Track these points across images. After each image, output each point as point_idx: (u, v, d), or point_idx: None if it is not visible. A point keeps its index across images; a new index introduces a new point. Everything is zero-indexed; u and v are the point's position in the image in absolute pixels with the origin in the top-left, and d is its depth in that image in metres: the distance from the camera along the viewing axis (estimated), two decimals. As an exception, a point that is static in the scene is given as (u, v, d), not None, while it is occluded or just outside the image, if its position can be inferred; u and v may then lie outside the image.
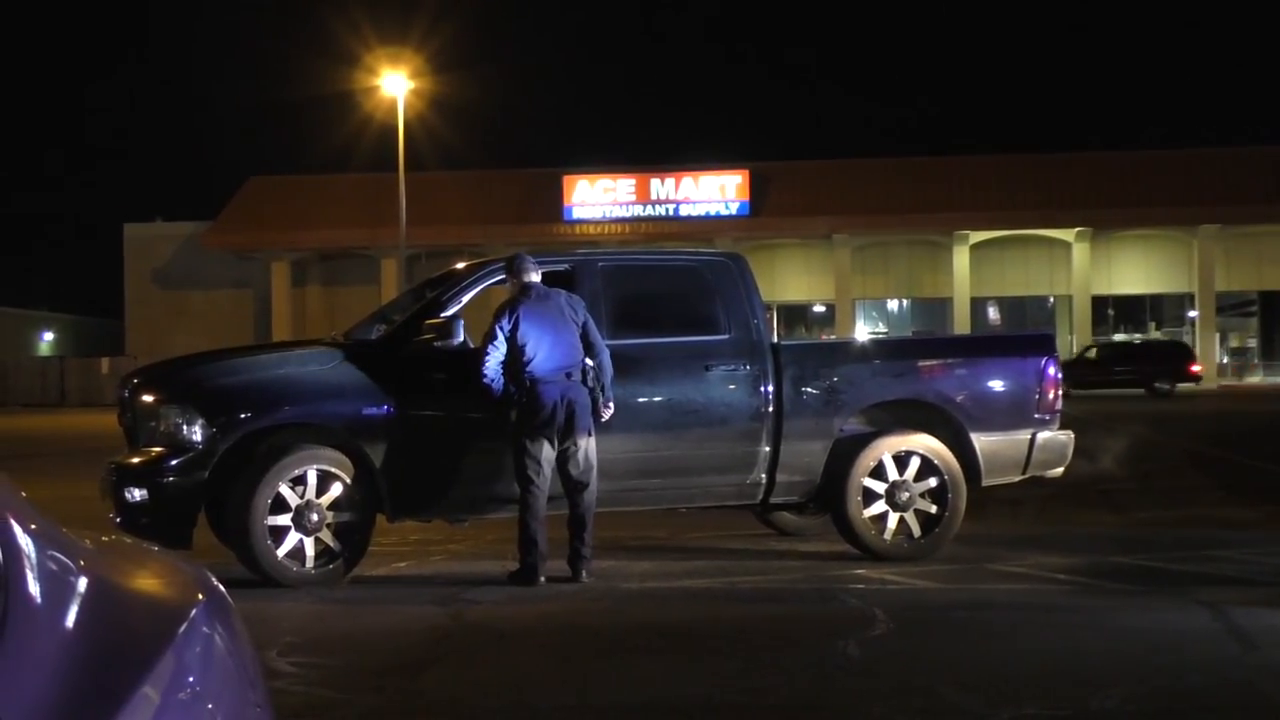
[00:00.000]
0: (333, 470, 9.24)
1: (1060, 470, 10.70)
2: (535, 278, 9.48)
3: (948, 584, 9.00)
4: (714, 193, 58.34)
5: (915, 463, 10.07)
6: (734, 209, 58.21)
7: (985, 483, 10.40)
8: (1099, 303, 61.22)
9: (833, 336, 53.07)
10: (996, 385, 10.48)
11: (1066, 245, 59.86)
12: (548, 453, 9.17)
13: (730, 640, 7.36)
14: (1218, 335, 61.36)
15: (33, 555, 1.86)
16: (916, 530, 10.06)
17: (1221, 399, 44.78)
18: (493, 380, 9.16)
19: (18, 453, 24.68)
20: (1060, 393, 10.63)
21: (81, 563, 2.02)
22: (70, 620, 1.82)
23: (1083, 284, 59.66)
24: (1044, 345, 10.88)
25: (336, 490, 9.24)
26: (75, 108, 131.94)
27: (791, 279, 61.38)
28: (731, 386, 9.94)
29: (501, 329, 9.18)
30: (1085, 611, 8.04)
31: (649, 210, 58.32)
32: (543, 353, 9.13)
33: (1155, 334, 64.30)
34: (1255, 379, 61.04)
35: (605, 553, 10.39)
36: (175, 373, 10.05)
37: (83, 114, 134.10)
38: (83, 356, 65.26)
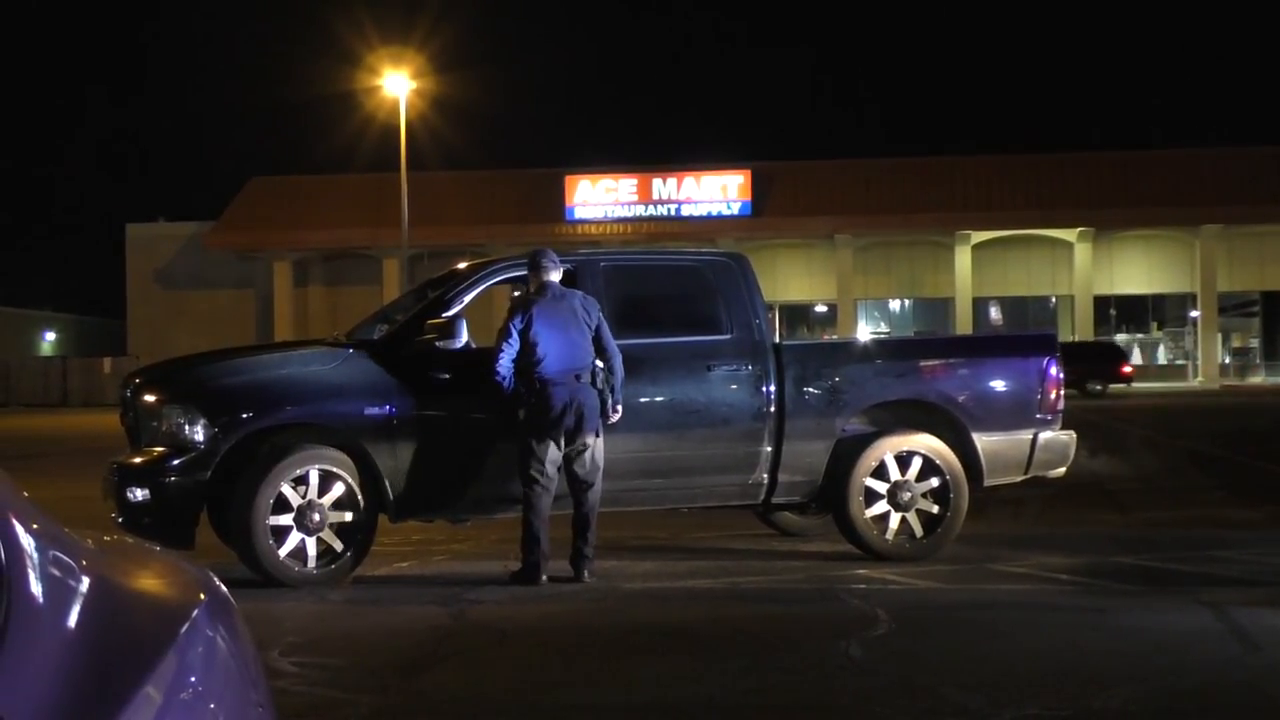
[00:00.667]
0: (335, 470, 9.24)
1: (1062, 470, 10.70)
2: (554, 276, 9.46)
3: (950, 584, 9.00)
4: (716, 193, 58.33)
5: (917, 463, 10.07)
6: (736, 209, 58.20)
7: (987, 483, 10.40)
8: (1101, 303, 61.19)
9: (834, 336, 53.06)
10: (998, 385, 10.47)
11: (1068, 245, 59.85)
12: (553, 453, 9.17)
13: (732, 640, 7.36)
14: (1220, 335, 61.33)
15: (35, 555, 1.86)
16: (918, 530, 10.06)
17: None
18: (504, 378, 9.17)
19: (20, 453, 24.68)
20: (1062, 393, 10.63)
21: (84, 563, 2.02)
22: (72, 620, 1.82)
23: (1085, 284, 59.65)
24: (1046, 345, 10.87)
25: (338, 490, 9.24)
26: (78, 108, 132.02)
27: (793, 279, 61.37)
28: (733, 386, 9.93)
29: (515, 326, 9.18)
30: (1087, 612, 8.04)
31: (651, 210, 58.32)
32: (553, 353, 9.13)
33: (1157, 334, 64.30)
34: (1258, 379, 61.01)
35: (607, 553, 10.39)
36: (177, 373, 10.05)
37: (85, 114, 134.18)
38: (85, 356, 65.29)
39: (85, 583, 1.95)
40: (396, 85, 46.46)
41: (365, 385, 9.43)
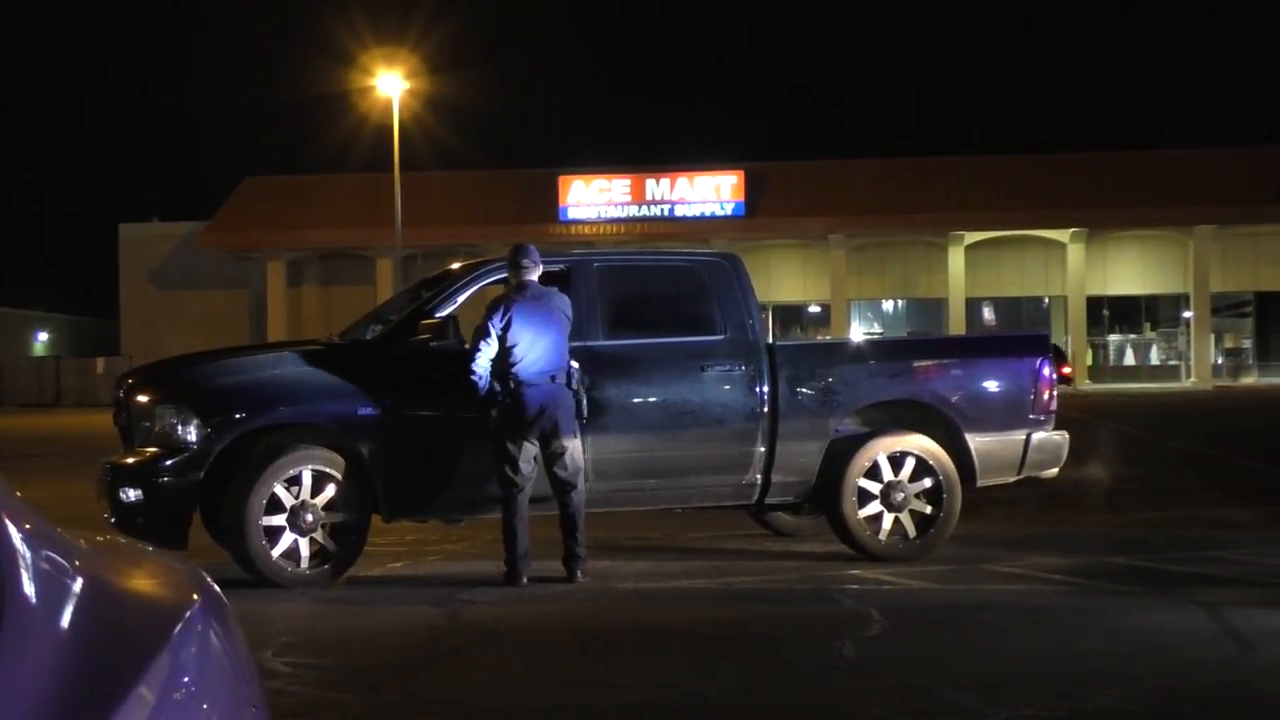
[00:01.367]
0: (328, 470, 9.23)
1: (1055, 471, 10.71)
2: (534, 275, 9.44)
3: (943, 584, 9.00)
4: (709, 193, 58.37)
5: (910, 463, 10.07)
6: (729, 209, 58.24)
7: (980, 483, 10.40)
8: (1094, 303, 61.28)
9: (828, 337, 53.09)
10: (991, 386, 10.48)
11: (1061, 246, 59.93)
12: (528, 453, 9.16)
13: (726, 641, 7.36)
14: (1213, 336, 61.42)
15: (27, 555, 1.85)
16: (912, 531, 10.06)
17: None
18: (480, 377, 9.15)
19: (13, 453, 24.65)
20: (1055, 393, 10.64)
21: (76, 563, 2.01)
22: (65, 621, 1.81)
23: (1078, 284, 59.72)
24: (1039, 346, 10.88)
25: (331, 490, 9.23)
26: (71, 107, 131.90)
27: (787, 279, 61.40)
28: (727, 387, 9.93)
29: (493, 326, 9.17)
30: (1081, 612, 8.04)
31: (644, 211, 58.34)
32: (531, 355, 9.12)
33: (1150, 334, 64.39)
34: (1250, 380, 61.11)
35: (601, 553, 10.39)
36: (170, 373, 10.04)
37: (79, 114, 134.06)
38: (78, 356, 65.26)
39: (78, 583, 1.94)
40: (390, 85, 46.45)
41: (359, 385, 9.42)
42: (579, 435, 9.26)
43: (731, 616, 8.07)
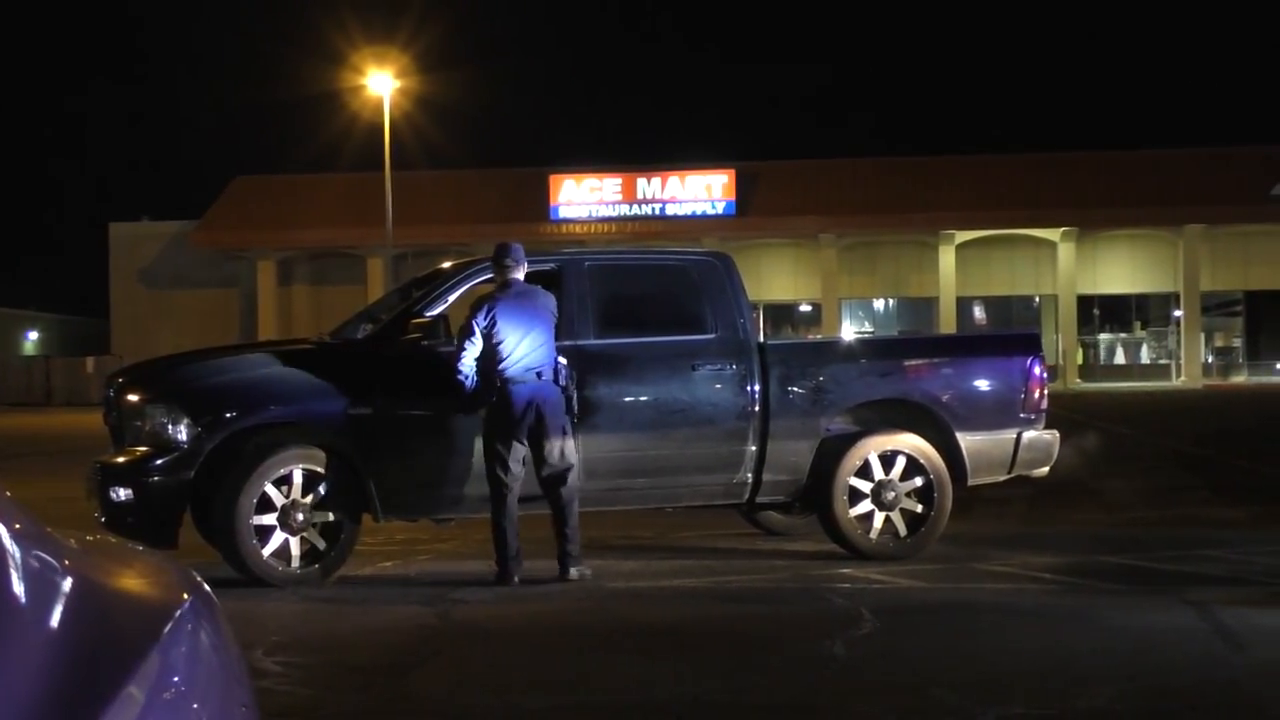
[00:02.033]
0: (318, 470, 9.22)
1: (1046, 470, 10.72)
2: (518, 273, 9.43)
3: (934, 583, 9.00)
4: (700, 192, 58.36)
5: (901, 462, 10.07)
6: (720, 208, 58.24)
7: (971, 482, 10.41)
8: (1084, 302, 61.36)
9: (819, 336, 53.11)
10: (982, 384, 10.49)
11: (1052, 245, 60.00)
12: (517, 452, 9.15)
13: (717, 640, 7.36)
14: (1203, 335, 61.52)
15: (17, 555, 1.85)
16: (902, 530, 10.07)
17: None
18: (466, 376, 9.14)
19: (2, 452, 24.60)
20: (1046, 392, 10.65)
21: (66, 562, 2.01)
22: (54, 620, 1.81)
23: (1068, 284, 59.80)
24: (1029, 345, 10.89)
25: (322, 490, 9.22)
26: (61, 107, 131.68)
27: (778, 278, 61.42)
28: (718, 386, 9.93)
29: (477, 324, 9.16)
30: (1072, 611, 8.05)
31: (635, 210, 58.33)
32: (516, 352, 9.11)
33: (1140, 333, 64.49)
34: (1240, 378, 61.23)
35: (592, 552, 10.38)
36: (161, 372, 10.03)
37: (69, 113, 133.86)
38: (68, 356, 65.12)
39: (68, 582, 1.94)
40: (380, 84, 46.43)
41: (349, 385, 9.41)
42: (569, 433, 9.25)
43: (722, 615, 8.07)
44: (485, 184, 60.35)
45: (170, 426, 9.11)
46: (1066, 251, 59.60)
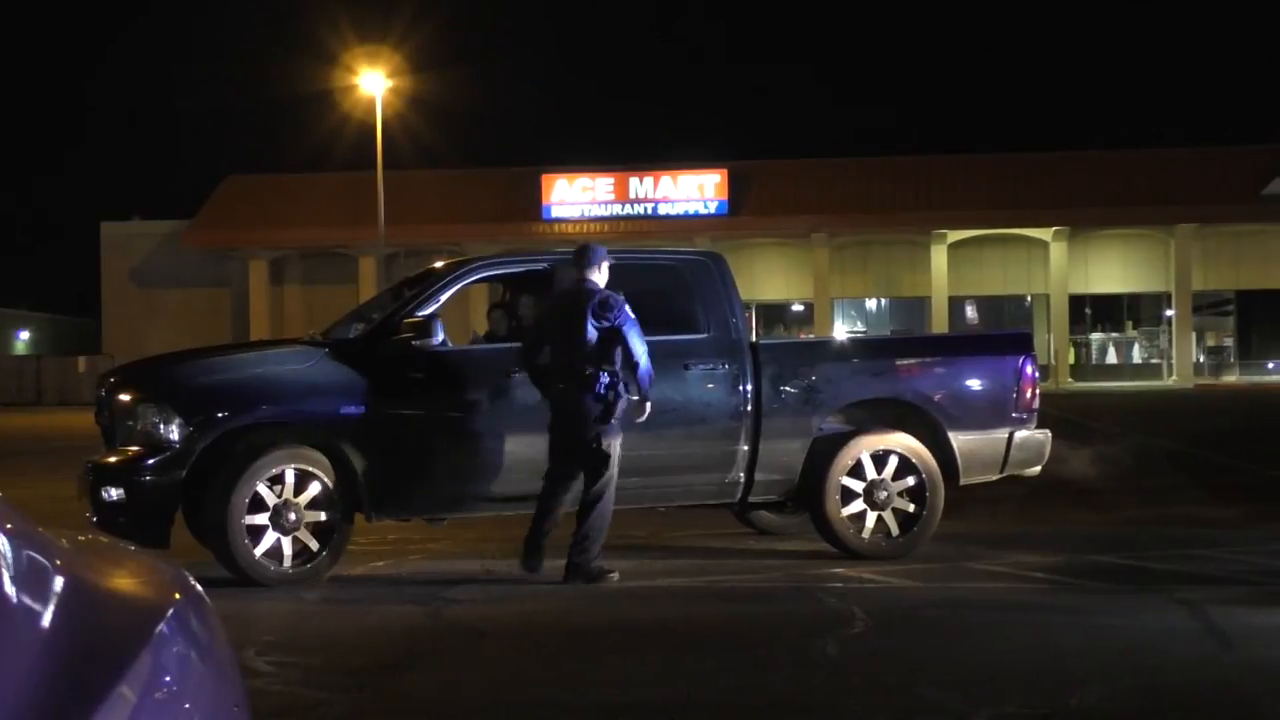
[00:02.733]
0: (311, 469, 9.21)
1: (1038, 469, 10.73)
2: (592, 275, 9.40)
3: (926, 583, 9.01)
4: (692, 192, 58.34)
5: (893, 461, 10.08)
6: (712, 208, 58.22)
7: (963, 481, 10.42)
8: (1076, 302, 61.39)
9: (811, 335, 53.12)
10: (974, 384, 10.50)
11: (1044, 244, 60.05)
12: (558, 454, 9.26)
13: (710, 639, 7.36)
14: (1194, 334, 61.60)
15: (9, 555, 1.85)
16: (894, 529, 10.08)
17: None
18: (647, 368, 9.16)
19: (-6, 452, 24.54)
20: (1038, 391, 10.66)
21: (58, 562, 2.01)
22: (46, 620, 1.81)
23: (1060, 283, 59.85)
24: (1021, 344, 10.90)
25: (314, 489, 9.22)
26: (52, 105, 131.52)
27: (770, 278, 61.42)
28: (710, 385, 9.94)
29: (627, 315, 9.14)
30: (1064, 610, 8.06)
31: (628, 209, 58.29)
32: (549, 351, 9.26)
33: (1132, 333, 64.55)
34: (1232, 378, 61.31)
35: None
36: (153, 371, 10.02)
37: (59, 112, 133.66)
38: (59, 355, 64.99)
39: (59, 582, 1.94)
40: (372, 84, 46.39)
41: (341, 384, 9.41)
42: (607, 438, 9.17)
43: (715, 615, 8.07)
44: (477, 183, 60.29)
45: (162, 426, 9.10)
46: (1058, 251, 59.65)
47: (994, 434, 10.36)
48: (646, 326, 10.07)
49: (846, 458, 10.01)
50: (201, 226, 60.89)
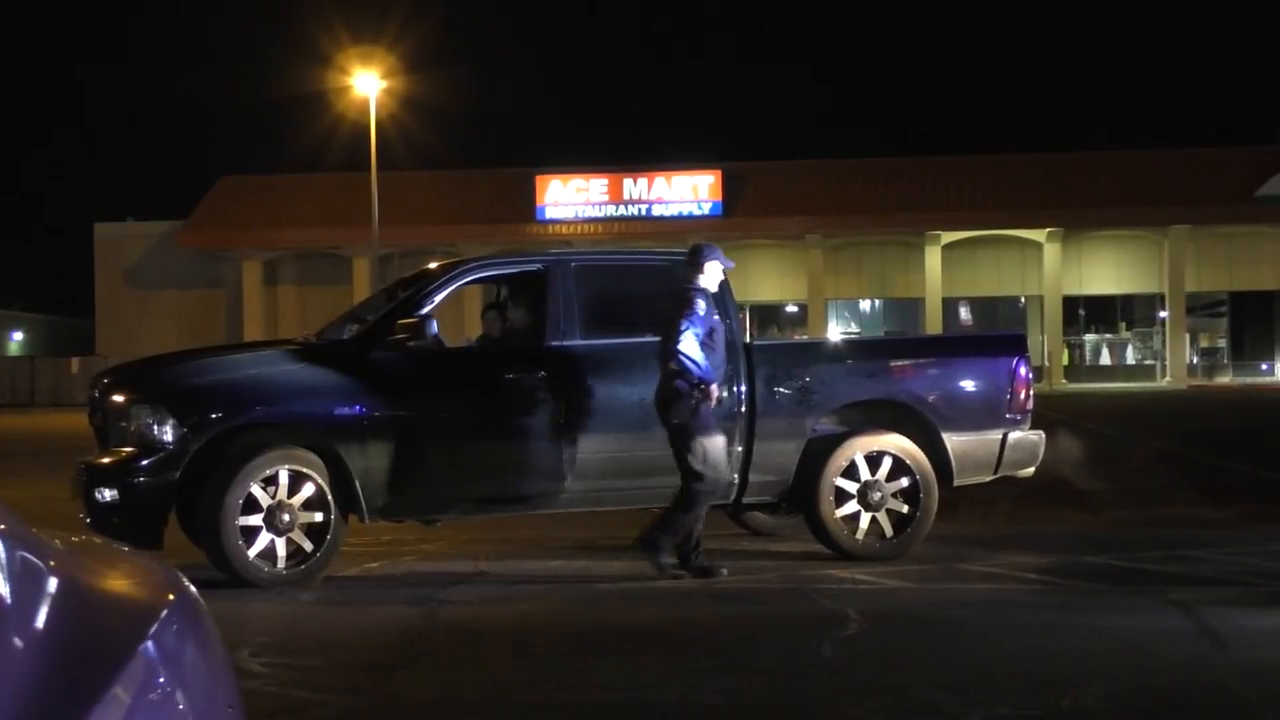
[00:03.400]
0: (305, 470, 9.20)
1: (1032, 470, 10.73)
2: (695, 277, 9.45)
3: (920, 584, 9.01)
4: (687, 193, 58.39)
5: (887, 462, 10.08)
6: (707, 209, 58.28)
7: (957, 482, 10.42)
8: (1070, 303, 61.49)
9: (805, 337, 53.13)
10: (968, 385, 10.50)
11: (1038, 245, 60.12)
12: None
13: (704, 640, 7.36)
14: (1188, 336, 61.68)
15: (2, 556, 1.85)
16: (889, 530, 10.08)
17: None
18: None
19: (-13, 453, 24.51)
20: (1031, 392, 10.66)
21: (51, 563, 2.01)
22: (40, 621, 1.81)
23: (1054, 284, 59.92)
24: (1015, 345, 10.91)
25: (308, 490, 9.21)
26: (45, 106, 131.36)
27: (764, 279, 61.46)
28: (705, 386, 9.92)
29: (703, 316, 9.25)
30: (1058, 611, 8.07)
31: (622, 210, 58.34)
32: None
33: (1125, 334, 64.64)
34: (1225, 379, 61.39)
35: (579, 553, 10.41)
36: (146, 372, 10.02)
37: (52, 112, 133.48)
38: (53, 356, 64.90)
39: (53, 583, 1.94)
40: (367, 84, 46.38)
41: (336, 385, 9.41)
42: (698, 435, 9.16)
43: (709, 616, 8.07)
44: (471, 184, 60.31)
45: (156, 427, 9.09)
46: (1052, 252, 59.72)
47: (988, 435, 10.36)
48: (640, 328, 10.08)
49: (840, 459, 10.01)
50: (196, 227, 60.87)
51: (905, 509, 10.07)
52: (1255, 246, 59.98)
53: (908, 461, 10.09)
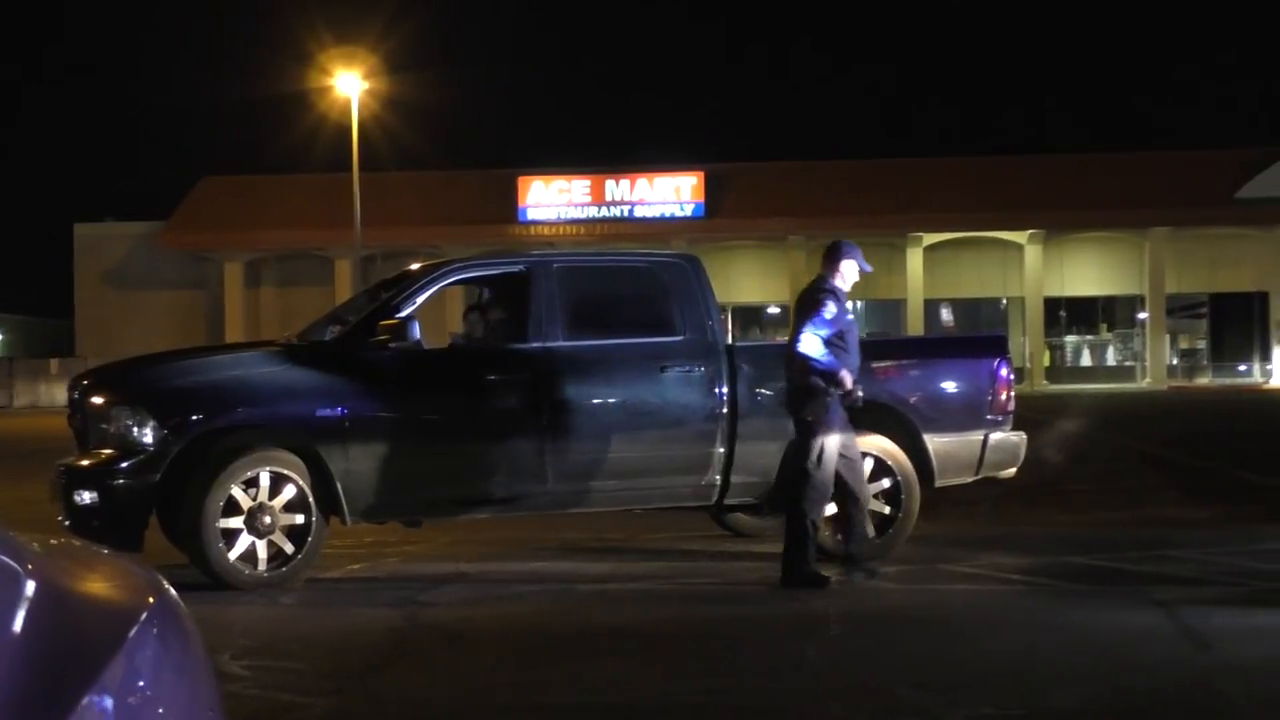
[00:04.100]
0: (286, 472, 9.18)
1: (1013, 471, 10.75)
2: (830, 274, 9.52)
3: (903, 585, 9.02)
4: (669, 194, 58.41)
5: (869, 464, 10.09)
6: (689, 210, 58.29)
7: (939, 483, 10.43)
8: (1051, 304, 61.63)
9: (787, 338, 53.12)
10: (950, 386, 10.52)
11: (1019, 247, 60.25)
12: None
13: (687, 641, 7.36)
14: (1168, 337, 61.88)
15: (-20, 558, 1.83)
16: (870, 531, 10.07)
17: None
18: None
19: (-34, 455, 24.41)
20: (1013, 394, 10.68)
21: (30, 566, 1.99)
22: (18, 625, 1.79)
23: (1035, 286, 60.05)
24: (997, 347, 10.93)
25: (290, 492, 9.18)
26: (24, 105, 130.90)
27: (746, 280, 61.51)
28: (686, 388, 9.93)
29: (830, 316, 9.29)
30: (1040, 611, 8.08)
31: (604, 211, 58.32)
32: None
33: (1106, 335, 64.82)
34: (1205, 380, 61.60)
35: (562, 555, 10.41)
36: (126, 374, 9.98)
37: (33, 112, 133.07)
38: (32, 357, 64.66)
39: (31, 586, 1.92)
40: (349, 85, 46.30)
41: (317, 387, 9.38)
42: (813, 434, 9.11)
43: (692, 617, 8.07)
44: (454, 185, 60.23)
45: (136, 429, 9.06)
46: (1033, 254, 59.86)
47: (969, 436, 10.38)
48: (623, 329, 10.08)
49: (823, 460, 10.00)
50: (177, 228, 60.69)
51: (887, 510, 10.08)
52: (1235, 248, 60.19)
53: (889, 462, 10.10)
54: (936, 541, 10.73)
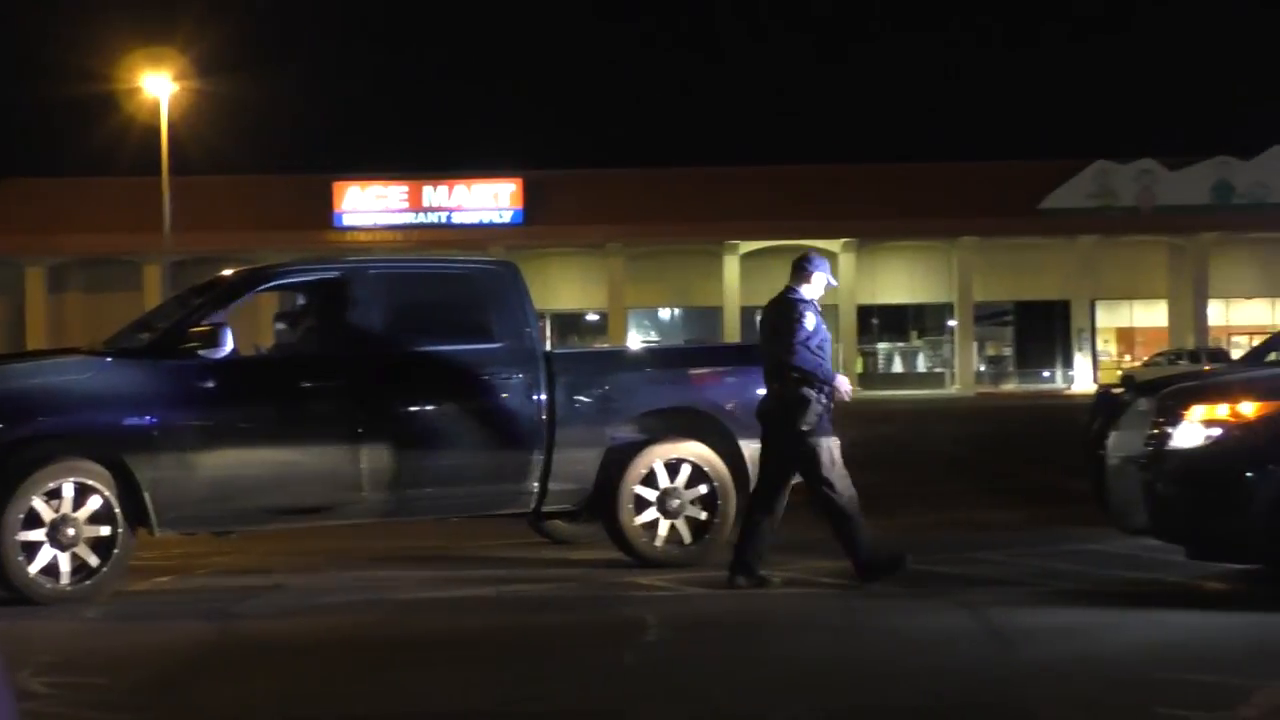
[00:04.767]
0: (91, 483, 8.93)
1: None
2: (797, 284, 9.60)
3: (719, 590, 9.09)
4: (487, 200, 58.29)
5: (686, 470, 10.16)
6: (507, 217, 58.23)
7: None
8: (864, 312, 62.79)
9: (605, 345, 53.35)
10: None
11: (833, 256, 61.29)
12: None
13: (505, 649, 7.34)
14: (975, 344, 63.47)
15: None
16: (687, 537, 10.15)
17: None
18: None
19: None
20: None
21: None
22: None
23: (848, 294, 61.07)
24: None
25: (95, 503, 8.94)
26: None
27: (565, 287, 61.56)
28: (504, 395, 9.90)
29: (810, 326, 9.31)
30: (850, 615, 8.22)
31: (421, 218, 57.97)
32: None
33: (917, 342, 66.28)
34: (1011, 386, 63.30)
35: (379, 564, 10.31)
36: (-78, 383, 9.61)
37: None
38: None
39: None
40: (158, 85, 45.24)
41: (124, 395, 9.16)
42: (810, 443, 9.11)
43: (510, 625, 8.05)
44: (268, 190, 59.24)
45: (-68, 439, 8.73)
46: (847, 262, 60.86)
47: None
48: (440, 336, 10.01)
49: (640, 466, 10.06)
50: (-26, 232, 58.66)
51: (704, 515, 10.16)
52: (1039, 258, 61.91)
53: (706, 469, 10.18)
54: (752, 546, 10.81)
